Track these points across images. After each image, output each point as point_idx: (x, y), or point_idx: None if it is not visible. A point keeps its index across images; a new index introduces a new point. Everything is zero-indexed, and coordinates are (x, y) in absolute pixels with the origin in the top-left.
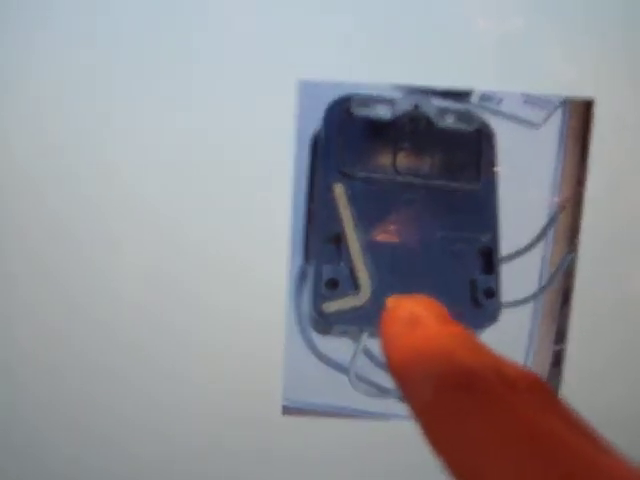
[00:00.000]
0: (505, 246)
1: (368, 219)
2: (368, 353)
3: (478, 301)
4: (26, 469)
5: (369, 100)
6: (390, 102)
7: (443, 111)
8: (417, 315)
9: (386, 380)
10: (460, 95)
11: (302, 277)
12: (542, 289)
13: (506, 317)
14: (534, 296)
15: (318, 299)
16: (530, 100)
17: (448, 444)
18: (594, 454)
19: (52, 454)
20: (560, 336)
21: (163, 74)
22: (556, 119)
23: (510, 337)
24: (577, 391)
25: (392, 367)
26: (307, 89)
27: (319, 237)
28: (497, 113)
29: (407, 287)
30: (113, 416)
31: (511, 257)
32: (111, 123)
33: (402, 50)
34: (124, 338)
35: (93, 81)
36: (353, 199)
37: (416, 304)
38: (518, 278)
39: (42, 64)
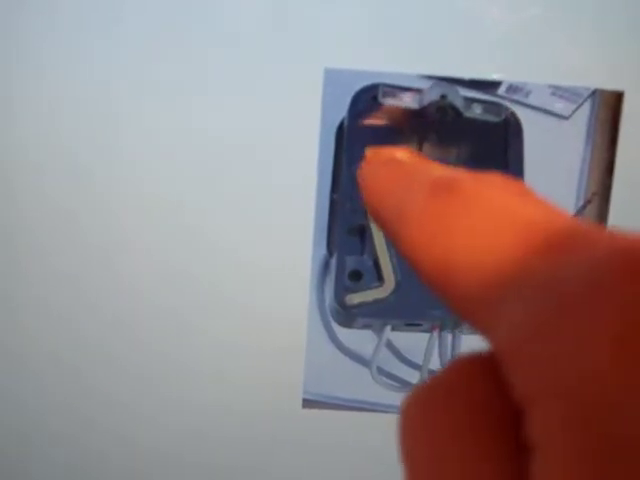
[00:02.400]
0: None
1: None
2: (391, 346)
3: None
4: (40, 461)
5: (396, 89)
6: (417, 92)
7: (470, 101)
8: (397, 157)
9: (408, 374)
10: (488, 86)
11: (325, 268)
12: None
13: None
14: None
15: (341, 291)
16: (558, 92)
17: (427, 253)
18: (577, 226)
19: (64, 448)
20: None
21: (189, 62)
22: (584, 111)
23: None
24: None
25: (368, 201)
26: (334, 77)
27: (343, 228)
28: (525, 104)
29: None
30: (132, 412)
31: None
32: (125, 120)
33: (430, 40)
34: (142, 333)
35: (108, 79)
36: None
37: (396, 150)
38: None
39: (56, 63)
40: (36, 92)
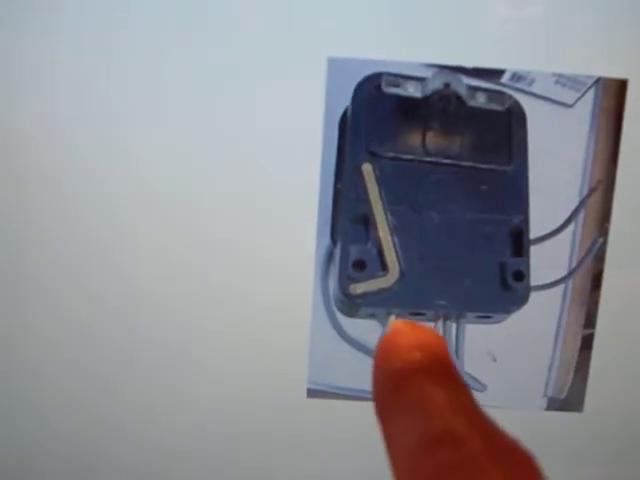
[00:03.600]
0: (535, 228)
1: (397, 199)
2: None
3: (507, 284)
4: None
5: (399, 78)
6: (420, 80)
7: (474, 90)
8: (418, 360)
9: None
10: (491, 74)
11: (329, 258)
12: (572, 272)
13: (535, 301)
14: (564, 280)
15: (345, 280)
16: (562, 80)
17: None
18: None
19: (68, 445)
20: (590, 320)
21: (190, 53)
22: (588, 99)
23: (539, 321)
24: (606, 376)
25: (377, 406)
26: (337, 66)
27: (346, 217)
28: (528, 93)
29: (436, 269)
30: (137, 406)
31: (541, 239)
32: (129, 118)
33: (433, 28)
34: (143, 324)
35: (108, 78)
36: (382, 179)
37: (421, 344)
38: (548, 261)
39: (63, 60)
40: (44, 89)
